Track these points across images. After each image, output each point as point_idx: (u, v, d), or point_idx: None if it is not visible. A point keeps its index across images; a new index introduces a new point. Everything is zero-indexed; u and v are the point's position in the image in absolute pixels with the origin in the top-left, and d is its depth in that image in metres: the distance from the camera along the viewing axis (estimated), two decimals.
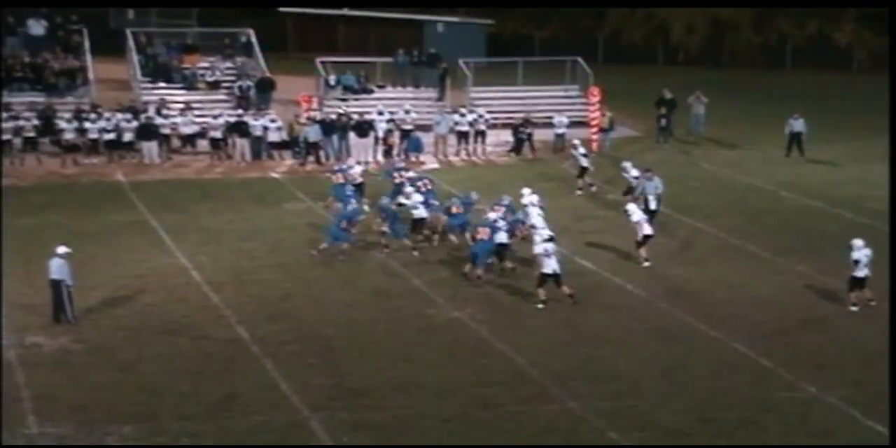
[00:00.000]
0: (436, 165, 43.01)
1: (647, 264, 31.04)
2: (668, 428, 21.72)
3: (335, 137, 44.10)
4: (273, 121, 44.73)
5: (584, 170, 39.20)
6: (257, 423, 21.71)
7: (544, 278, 27.86)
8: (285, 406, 22.43)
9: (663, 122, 48.18)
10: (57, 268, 26.32)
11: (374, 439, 21.20)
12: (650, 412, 22.32)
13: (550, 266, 27.79)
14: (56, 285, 26.36)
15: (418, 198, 32.77)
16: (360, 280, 30.07)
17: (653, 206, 34.21)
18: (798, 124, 45.34)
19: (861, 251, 28.03)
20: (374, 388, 23.17)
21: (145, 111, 44.63)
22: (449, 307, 27.96)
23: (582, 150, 39.61)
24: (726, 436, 21.46)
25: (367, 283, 29.85)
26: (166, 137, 44.01)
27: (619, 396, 22.99)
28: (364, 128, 44.33)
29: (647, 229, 31.24)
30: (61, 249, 26.52)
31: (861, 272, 27.97)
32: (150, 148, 43.21)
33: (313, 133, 43.59)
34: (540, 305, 27.60)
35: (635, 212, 31.59)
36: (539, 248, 28.19)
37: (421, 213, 32.58)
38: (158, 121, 44.04)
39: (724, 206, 35.92)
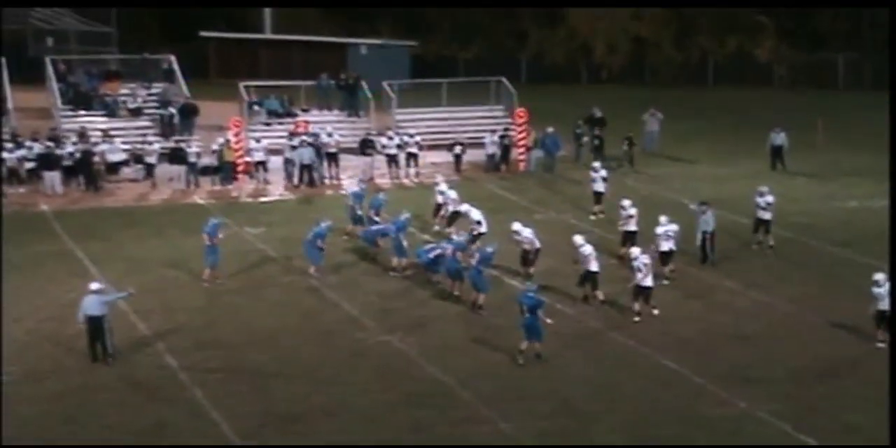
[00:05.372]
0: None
1: (600, 297, 29.70)
2: (601, 446, 21.74)
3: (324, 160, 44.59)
4: (197, 146, 44.49)
5: (599, 195, 38.34)
6: None
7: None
8: (215, 434, 22.23)
9: (596, 142, 48.00)
10: (92, 304, 25.93)
11: None
12: (582, 431, 22.34)
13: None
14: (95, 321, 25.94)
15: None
16: (288, 305, 29.92)
17: (697, 242, 32.76)
18: (779, 138, 45.68)
19: (665, 227, 30.68)
20: (304, 414, 23.03)
21: (58, 139, 44.21)
22: (378, 330, 27.87)
23: (603, 173, 38.49)
24: None
25: (296, 307, 29.70)
26: (91, 165, 43.45)
27: (551, 416, 22.98)
28: (367, 146, 45.22)
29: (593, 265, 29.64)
30: (94, 286, 26.24)
31: (665, 246, 30.37)
32: (53, 177, 42.68)
33: (307, 155, 43.76)
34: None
35: (584, 245, 29.62)
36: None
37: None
38: (59, 151, 43.26)
39: (651, 223, 36.04)
